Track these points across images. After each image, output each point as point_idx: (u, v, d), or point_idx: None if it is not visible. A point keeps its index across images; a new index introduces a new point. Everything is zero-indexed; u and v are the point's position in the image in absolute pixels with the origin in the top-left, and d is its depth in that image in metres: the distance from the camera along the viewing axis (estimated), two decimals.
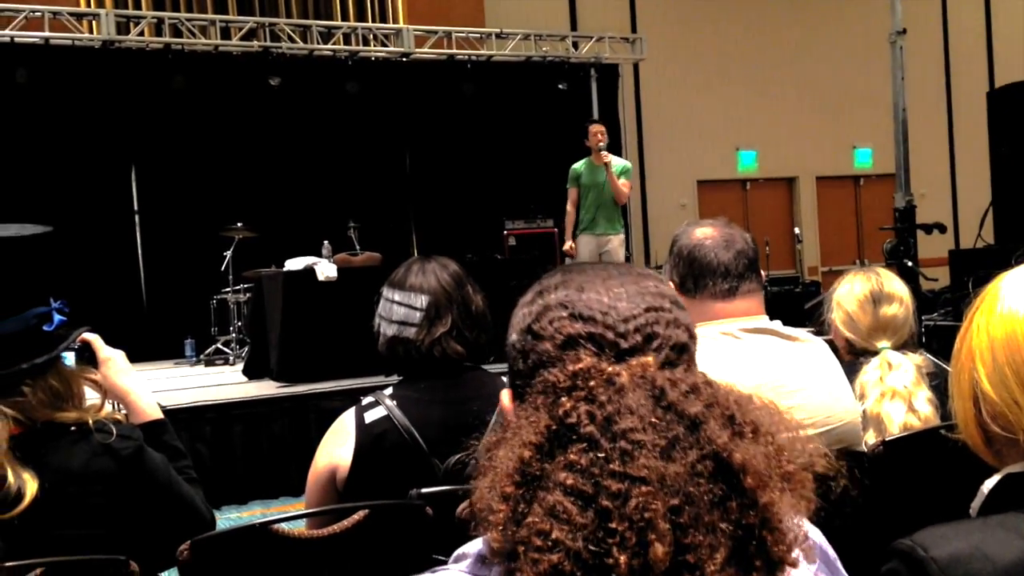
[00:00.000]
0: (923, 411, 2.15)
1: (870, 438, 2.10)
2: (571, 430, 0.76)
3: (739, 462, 0.75)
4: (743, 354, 1.81)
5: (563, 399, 0.78)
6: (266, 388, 6.04)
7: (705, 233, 1.94)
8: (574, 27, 11.36)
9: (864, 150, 12.94)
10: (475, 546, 0.83)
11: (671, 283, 1.91)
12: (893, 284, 2.40)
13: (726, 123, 12.13)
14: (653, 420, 0.75)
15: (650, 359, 0.81)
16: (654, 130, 11.84)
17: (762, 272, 1.98)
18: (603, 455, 0.73)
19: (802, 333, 1.95)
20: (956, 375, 1.10)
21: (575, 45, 10.49)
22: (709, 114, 12.00)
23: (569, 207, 7.57)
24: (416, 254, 9.60)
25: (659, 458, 0.73)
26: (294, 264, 6.48)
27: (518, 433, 0.78)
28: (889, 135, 8.47)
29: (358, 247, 7.53)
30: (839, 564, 0.95)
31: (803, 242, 11.54)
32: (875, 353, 2.27)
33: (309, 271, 6.31)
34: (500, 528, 0.75)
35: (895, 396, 2.16)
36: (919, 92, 9.38)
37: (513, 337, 0.91)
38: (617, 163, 7.35)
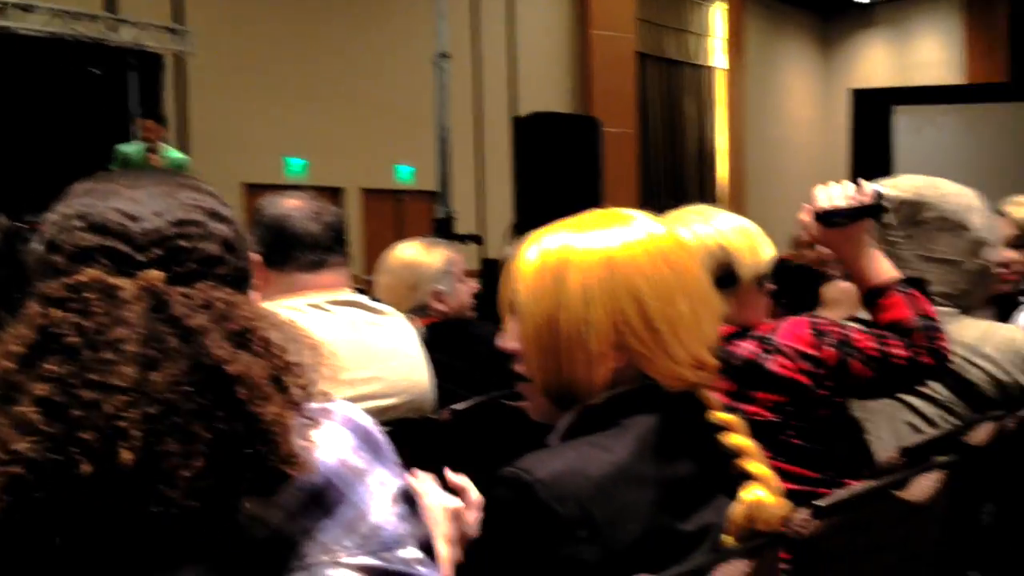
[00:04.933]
0: None
1: None
2: (54, 340, 0.74)
3: (233, 373, 0.76)
4: (334, 325, 1.81)
5: (52, 310, 0.76)
6: None
7: (293, 204, 1.91)
8: (111, 8, 10.45)
9: (406, 167, 13.75)
10: None
11: (256, 256, 1.85)
12: None
13: (275, 128, 12.04)
14: (143, 331, 0.75)
15: (159, 273, 0.80)
16: (200, 128, 11.34)
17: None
18: (81, 365, 0.73)
19: (386, 307, 2.01)
20: None
21: (114, 29, 9.63)
22: (259, 117, 11.82)
23: None
24: None
25: (143, 368, 0.74)
26: None
27: (2, 345, 0.76)
28: (427, 155, 9.08)
29: None
30: (385, 448, 0.90)
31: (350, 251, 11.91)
32: None
33: None
34: None
35: None
36: (454, 115, 10.20)
37: (38, 251, 0.84)
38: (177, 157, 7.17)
